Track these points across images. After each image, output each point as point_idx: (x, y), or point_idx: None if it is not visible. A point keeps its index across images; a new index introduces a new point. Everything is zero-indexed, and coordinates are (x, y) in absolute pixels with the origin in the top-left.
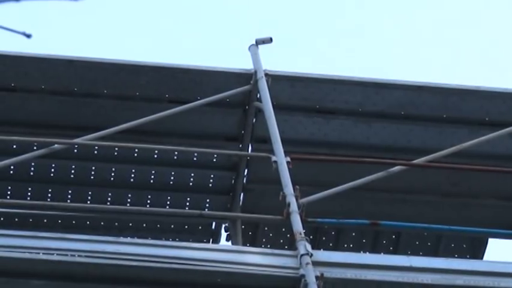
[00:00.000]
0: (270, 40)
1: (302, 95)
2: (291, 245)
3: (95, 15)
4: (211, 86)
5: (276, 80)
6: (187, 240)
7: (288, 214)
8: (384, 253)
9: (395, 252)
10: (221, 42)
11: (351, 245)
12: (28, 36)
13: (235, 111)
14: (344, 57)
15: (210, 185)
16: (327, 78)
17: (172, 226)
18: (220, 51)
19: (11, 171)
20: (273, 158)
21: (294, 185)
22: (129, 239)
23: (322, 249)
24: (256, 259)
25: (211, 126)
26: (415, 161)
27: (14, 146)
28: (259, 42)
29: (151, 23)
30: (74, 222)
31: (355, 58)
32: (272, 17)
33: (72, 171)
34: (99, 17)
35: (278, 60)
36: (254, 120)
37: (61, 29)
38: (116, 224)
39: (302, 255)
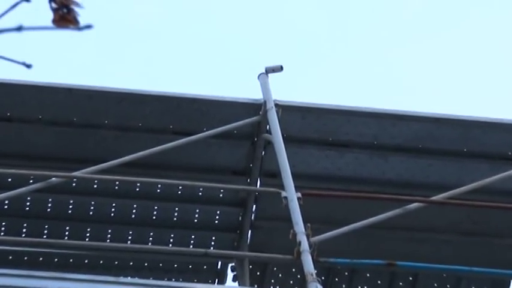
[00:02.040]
0: (281, 68)
1: (314, 126)
2: (302, 286)
3: (98, 43)
4: (218, 117)
5: (287, 111)
6: (192, 281)
7: (299, 253)
8: None
9: None
10: (229, 71)
11: (365, 287)
12: (28, 66)
13: (243, 144)
14: (358, 87)
15: (216, 221)
16: (341, 109)
17: (175, 265)
18: (228, 81)
19: (6, 206)
20: (283, 194)
21: (305, 222)
22: (129, 279)
23: None
24: None
25: (218, 159)
26: (433, 198)
27: (9, 180)
28: (269, 70)
29: (156, 51)
30: (71, 260)
31: (370, 88)
32: (283, 45)
33: (70, 207)
34: (103, 44)
35: (289, 90)
36: (263, 153)
37: (63, 60)
38: (116, 263)
39: None
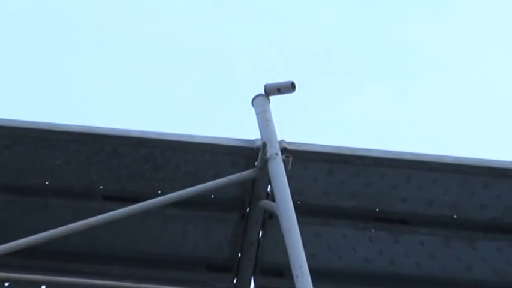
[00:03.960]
0: (291, 88)
1: (349, 188)
2: None
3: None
4: (184, 171)
5: (302, 161)
6: None
7: None
8: None
9: None
10: (204, 92)
11: None
12: None
13: (227, 218)
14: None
15: None
16: (394, 157)
17: None
18: (203, 108)
19: None
20: None
21: None
22: None
23: None
24: None
25: (184, 244)
26: None
27: None
28: (272, 91)
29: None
30: None
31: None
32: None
33: None
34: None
35: (303, 124)
36: (260, 234)
37: None
38: None
39: None
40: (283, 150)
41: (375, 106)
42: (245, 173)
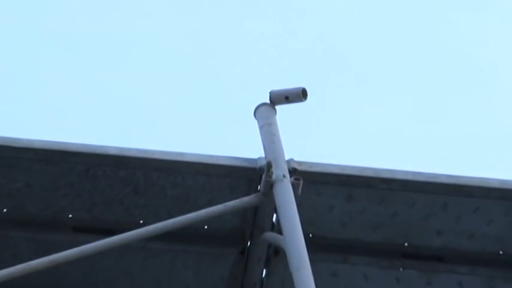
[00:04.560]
0: (302, 96)
1: (372, 218)
2: None
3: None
4: (171, 196)
5: (316, 185)
6: None
7: None
8: None
9: None
10: (196, 103)
11: None
12: None
13: (224, 254)
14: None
15: None
16: (429, 180)
17: None
18: (195, 123)
19: None
20: None
21: None
22: None
23: None
24: None
25: (170, 287)
26: None
27: None
28: (278, 99)
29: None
30: None
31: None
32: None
33: None
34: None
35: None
36: (264, 273)
37: None
38: None
39: None
40: (292, 172)
41: (399, 118)
42: (246, 199)
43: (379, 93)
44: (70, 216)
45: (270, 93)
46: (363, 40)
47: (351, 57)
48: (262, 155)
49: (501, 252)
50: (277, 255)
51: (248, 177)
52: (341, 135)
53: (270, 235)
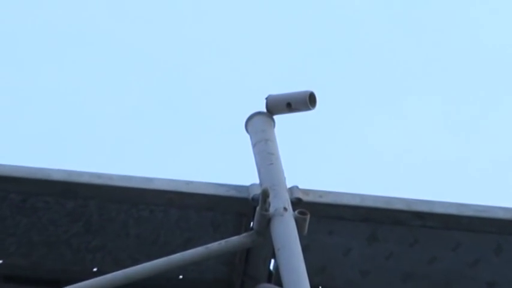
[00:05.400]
0: (310, 102)
1: (402, 264)
2: None
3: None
4: (131, 240)
5: (327, 220)
6: None
7: None
8: None
9: None
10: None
11: None
12: None
13: None
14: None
15: None
16: (473, 215)
17: None
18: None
19: None
20: None
21: None
22: None
23: None
24: None
25: None
26: None
27: None
28: (277, 106)
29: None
30: None
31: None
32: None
33: None
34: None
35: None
36: None
37: None
38: None
39: None
40: (296, 203)
41: (424, 132)
42: (234, 240)
43: (397, 101)
44: (0, 262)
45: (267, 98)
46: (382, 37)
47: (365, 56)
48: (257, 181)
49: None
50: None
51: (237, 211)
52: (354, 154)
53: (267, 287)
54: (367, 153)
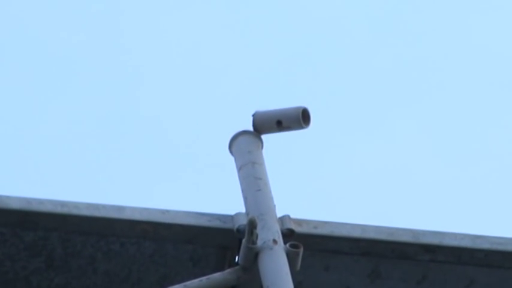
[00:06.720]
0: (303, 120)
1: None
2: None
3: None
4: (98, 276)
5: (323, 255)
6: None
7: None
8: None
9: None
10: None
11: None
12: None
13: None
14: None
15: None
16: (492, 248)
17: None
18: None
19: None
20: None
21: None
22: None
23: None
24: None
25: None
26: None
27: None
28: (266, 125)
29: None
30: None
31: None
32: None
33: None
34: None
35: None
36: None
37: None
38: None
39: None
40: (288, 235)
41: (414, 155)
42: (217, 277)
43: (387, 121)
44: None
45: (254, 116)
46: (364, 47)
47: (354, 69)
48: (242, 209)
49: None
50: None
51: (220, 244)
52: (351, 179)
53: None
54: (365, 177)
